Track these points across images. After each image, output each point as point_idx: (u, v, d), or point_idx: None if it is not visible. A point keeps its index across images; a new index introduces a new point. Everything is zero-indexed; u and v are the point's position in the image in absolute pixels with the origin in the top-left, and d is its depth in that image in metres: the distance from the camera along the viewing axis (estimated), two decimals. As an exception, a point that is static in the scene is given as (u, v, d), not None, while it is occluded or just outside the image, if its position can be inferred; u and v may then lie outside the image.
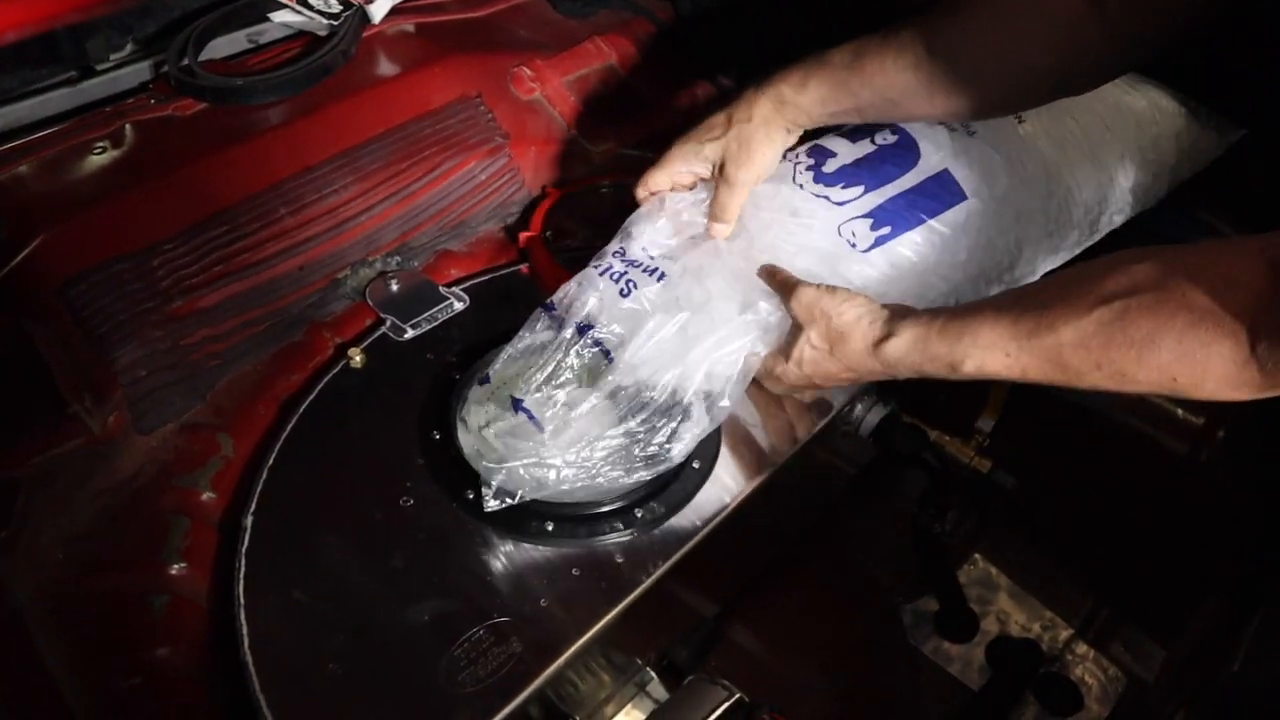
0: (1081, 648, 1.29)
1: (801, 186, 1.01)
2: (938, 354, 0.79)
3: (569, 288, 0.95)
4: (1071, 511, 1.35)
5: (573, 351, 0.91)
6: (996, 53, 0.89)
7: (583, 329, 0.92)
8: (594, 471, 0.86)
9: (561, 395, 0.89)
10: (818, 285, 0.87)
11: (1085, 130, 1.08)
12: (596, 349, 0.91)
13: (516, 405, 0.88)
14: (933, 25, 0.90)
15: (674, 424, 0.89)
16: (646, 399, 0.89)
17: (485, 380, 0.94)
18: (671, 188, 1.03)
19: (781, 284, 0.91)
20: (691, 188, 1.03)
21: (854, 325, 0.84)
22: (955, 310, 0.80)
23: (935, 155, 1.01)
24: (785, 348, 0.91)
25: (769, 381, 0.95)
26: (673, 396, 0.89)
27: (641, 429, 0.88)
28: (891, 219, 0.98)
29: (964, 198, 1.00)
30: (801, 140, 1.04)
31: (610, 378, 0.90)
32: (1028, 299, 0.75)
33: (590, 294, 0.93)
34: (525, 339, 0.94)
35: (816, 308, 0.86)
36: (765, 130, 0.97)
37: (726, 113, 0.99)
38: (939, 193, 1.00)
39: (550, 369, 0.90)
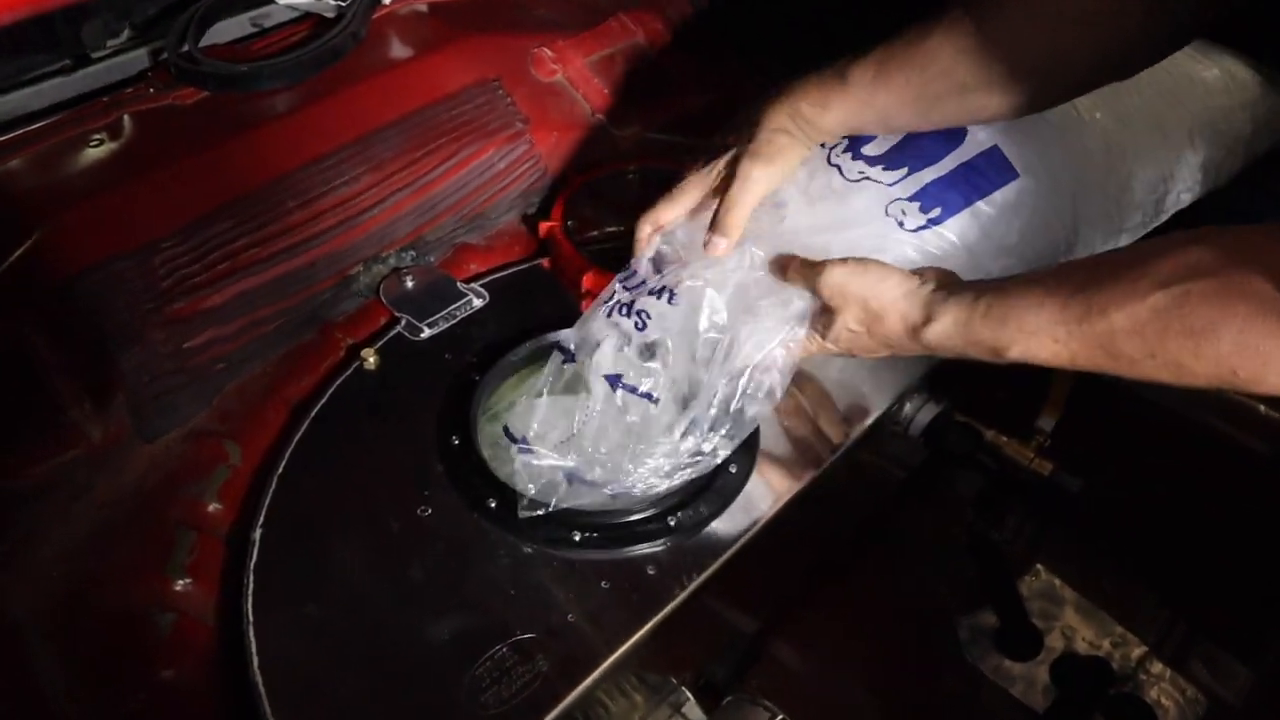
0: (1156, 666, 1.26)
1: (840, 168, 0.99)
2: (981, 339, 0.78)
3: (581, 331, 0.93)
4: (1143, 517, 1.33)
5: (611, 406, 0.90)
6: (1033, 47, 0.87)
7: (613, 381, 0.90)
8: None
9: (623, 458, 0.88)
10: (844, 261, 0.86)
11: (1149, 102, 1.06)
12: (633, 395, 0.90)
13: (571, 478, 0.87)
14: (962, 24, 0.88)
15: (720, 432, 0.88)
16: (696, 419, 0.88)
17: (523, 442, 0.90)
18: None
19: (802, 269, 0.89)
20: None
21: (891, 307, 0.83)
22: (1001, 288, 0.78)
23: (983, 131, 1.00)
24: (817, 327, 0.90)
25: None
26: (721, 409, 0.88)
27: (692, 449, 0.87)
28: (940, 200, 0.97)
29: (1015, 175, 0.99)
30: None
31: (662, 419, 0.89)
32: (1078, 279, 0.74)
33: (605, 338, 0.92)
34: (554, 387, 0.92)
35: (848, 291, 0.85)
36: (787, 136, 0.95)
37: (736, 122, 0.97)
38: (988, 171, 0.98)
39: (594, 427, 0.89)
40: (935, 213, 0.96)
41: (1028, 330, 0.75)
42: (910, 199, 0.97)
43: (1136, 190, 1.05)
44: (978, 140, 0.99)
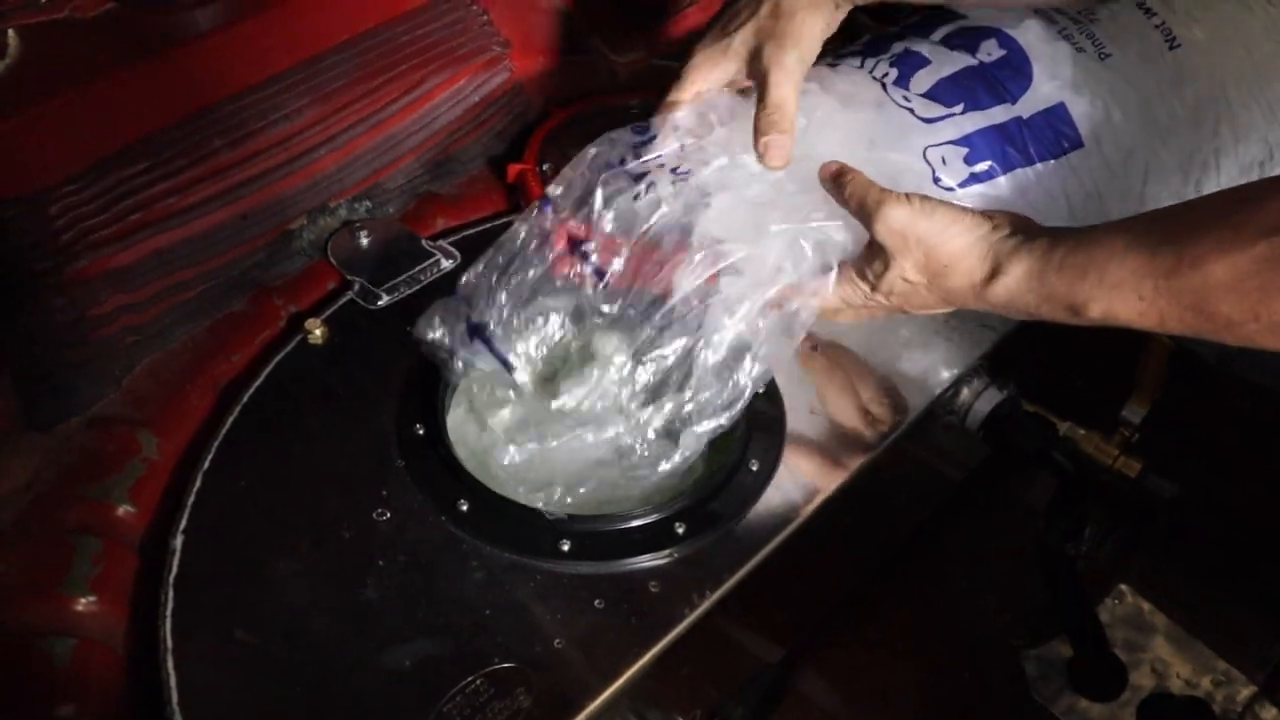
0: (1269, 711, 1.27)
1: (884, 88, 1.00)
2: (1056, 294, 0.79)
3: (565, 175, 0.96)
4: (1252, 528, 1.33)
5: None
6: None
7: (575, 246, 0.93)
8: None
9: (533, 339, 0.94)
10: (907, 198, 0.85)
11: (1261, 65, 1.04)
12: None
13: (472, 331, 0.91)
14: None
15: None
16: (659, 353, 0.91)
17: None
18: None
19: (859, 198, 0.87)
20: None
21: (962, 257, 0.84)
22: (1080, 236, 0.79)
23: (1050, 84, 1.00)
24: (862, 270, 0.90)
25: (837, 313, 0.95)
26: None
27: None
28: (990, 153, 0.98)
29: (1079, 144, 1.00)
30: (876, 46, 1.03)
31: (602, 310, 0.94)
32: (1169, 226, 0.75)
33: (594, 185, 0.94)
34: (503, 248, 0.96)
35: (912, 236, 0.85)
36: (808, 7, 0.93)
37: None
38: (1047, 133, 1.00)
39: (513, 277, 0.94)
40: (982, 167, 0.97)
41: (1109, 284, 0.75)
42: (954, 145, 0.98)
43: (1223, 173, 1.04)
44: (1042, 94, 1.00)
